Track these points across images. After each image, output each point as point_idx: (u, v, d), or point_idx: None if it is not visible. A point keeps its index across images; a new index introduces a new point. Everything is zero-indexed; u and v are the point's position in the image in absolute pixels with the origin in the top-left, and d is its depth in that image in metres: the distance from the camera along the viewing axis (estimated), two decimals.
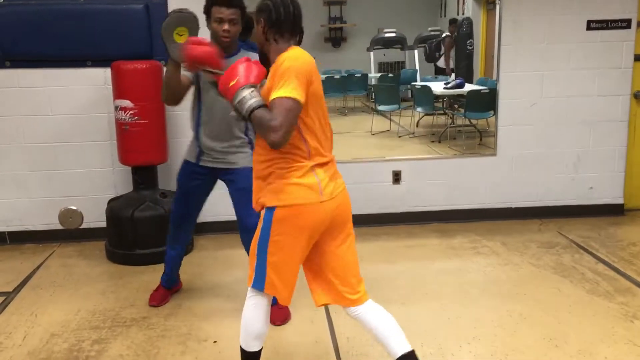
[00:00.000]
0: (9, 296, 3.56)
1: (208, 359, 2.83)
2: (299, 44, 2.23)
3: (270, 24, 2.16)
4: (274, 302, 3.12)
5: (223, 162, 3.09)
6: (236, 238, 4.28)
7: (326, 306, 3.33)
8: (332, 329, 3.08)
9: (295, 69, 2.04)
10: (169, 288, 3.50)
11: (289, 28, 2.17)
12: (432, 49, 7.49)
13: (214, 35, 2.93)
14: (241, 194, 3.05)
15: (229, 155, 3.08)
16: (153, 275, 3.81)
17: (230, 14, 2.88)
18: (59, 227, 4.45)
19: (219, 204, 4.53)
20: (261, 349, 2.38)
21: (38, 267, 4.01)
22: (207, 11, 2.91)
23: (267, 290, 2.25)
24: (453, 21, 7.34)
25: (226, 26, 2.88)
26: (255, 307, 2.31)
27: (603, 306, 3.28)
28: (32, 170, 4.37)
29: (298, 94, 2.02)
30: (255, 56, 2.49)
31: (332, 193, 2.20)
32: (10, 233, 4.44)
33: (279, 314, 3.16)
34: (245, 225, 3.12)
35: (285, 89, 2.00)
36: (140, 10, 4.18)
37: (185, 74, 2.90)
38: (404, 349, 2.25)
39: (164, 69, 3.01)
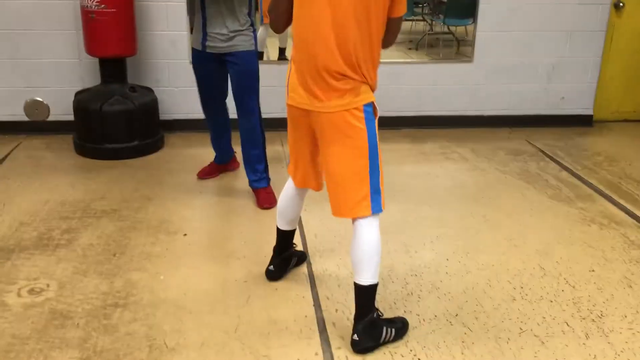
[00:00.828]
0: None
1: (178, 250, 2.88)
2: None
3: None
4: (265, 186, 3.40)
5: (226, 47, 3.13)
6: (205, 136, 4.26)
7: None
8: (301, 225, 3.15)
9: None
10: (219, 163, 3.72)
11: None
12: None
13: None
14: (241, 77, 3.19)
15: (232, 39, 3.13)
16: (123, 169, 3.80)
17: None
18: (25, 118, 4.34)
19: (189, 102, 4.49)
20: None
21: (4, 158, 3.95)
22: None
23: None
24: None
25: None
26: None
27: (563, 211, 3.40)
28: None
29: None
30: None
31: (296, 100, 2.15)
32: None
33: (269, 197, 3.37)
34: (245, 109, 3.25)
35: None
36: None
37: None
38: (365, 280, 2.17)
39: None
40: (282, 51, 4.85)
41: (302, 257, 2.77)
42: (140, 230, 3.06)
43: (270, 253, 2.65)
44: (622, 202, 3.53)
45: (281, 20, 2.16)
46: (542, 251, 2.94)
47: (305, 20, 2.04)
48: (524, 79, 4.78)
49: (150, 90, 4.24)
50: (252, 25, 3.17)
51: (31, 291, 2.50)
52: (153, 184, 3.63)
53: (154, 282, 2.59)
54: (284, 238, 2.59)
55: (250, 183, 3.42)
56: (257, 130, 3.31)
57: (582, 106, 4.91)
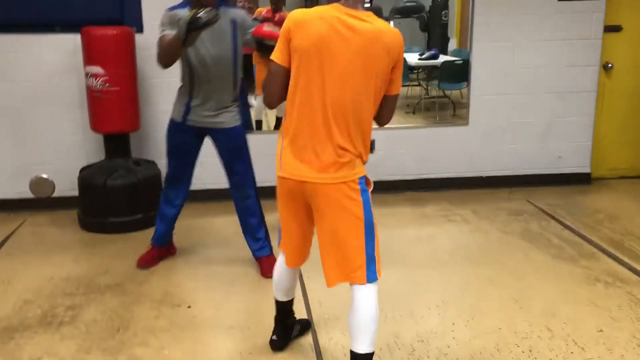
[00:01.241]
0: None
1: (182, 323, 2.86)
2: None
3: None
4: (269, 254, 3.37)
5: (210, 122, 3.17)
6: (209, 207, 4.31)
7: (300, 272, 3.39)
8: (305, 293, 3.14)
9: (282, 29, 2.11)
10: (160, 246, 3.55)
11: None
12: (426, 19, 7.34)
13: None
14: (231, 153, 3.23)
15: (218, 117, 3.17)
16: (126, 243, 3.82)
17: None
18: (30, 195, 4.41)
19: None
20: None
21: (9, 236, 3.98)
22: None
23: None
24: None
25: None
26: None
27: (567, 270, 3.39)
28: (1, 137, 4.30)
29: (275, 55, 2.12)
30: (235, 12, 2.94)
31: (291, 172, 2.16)
32: None
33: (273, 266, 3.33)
34: (239, 181, 3.29)
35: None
36: None
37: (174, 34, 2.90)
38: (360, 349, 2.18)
39: (166, 21, 3.03)
40: (279, 120, 4.97)
41: (305, 325, 2.76)
42: (143, 303, 3.05)
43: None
44: (625, 259, 3.53)
45: (275, 96, 2.19)
46: (549, 312, 2.91)
47: (303, 95, 2.09)
48: (520, 139, 4.87)
49: (153, 163, 4.31)
50: (237, 100, 3.23)
51: None
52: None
53: (158, 357, 2.57)
54: (284, 308, 2.59)
55: (253, 252, 3.43)
56: (253, 199, 3.33)
57: (579, 164, 4.98)
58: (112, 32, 3.88)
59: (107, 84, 3.86)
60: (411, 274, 3.36)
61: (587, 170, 5.00)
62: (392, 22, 9.63)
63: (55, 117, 4.31)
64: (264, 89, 2.20)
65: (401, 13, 10.17)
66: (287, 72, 2.12)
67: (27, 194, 4.40)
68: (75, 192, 4.18)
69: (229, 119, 3.18)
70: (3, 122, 4.28)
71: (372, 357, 2.18)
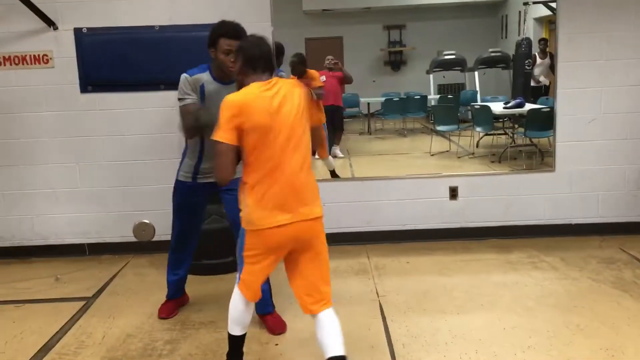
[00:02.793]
0: (89, 301, 3.86)
1: (269, 359, 2.99)
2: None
3: (245, 61, 2.56)
4: (271, 311, 3.40)
5: None
6: None
7: (382, 313, 3.46)
8: (389, 335, 3.19)
9: (223, 108, 2.43)
10: (178, 298, 3.66)
11: (260, 64, 2.55)
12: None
13: (219, 64, 3.10)
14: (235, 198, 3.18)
15: None
16: (219, 283, 4.04)
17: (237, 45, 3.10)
18: (133, 239, 4.77)
19: None
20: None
21: (114, 276, 4.31)
22: (214, 42, 3.08)
23: None
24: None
25: (233, 57, 3.05)
26: None
27: None
28: (110, 186, 4.71)
29: (220, 136, 2.43)
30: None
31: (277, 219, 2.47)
32: (90, 245, 4.78)
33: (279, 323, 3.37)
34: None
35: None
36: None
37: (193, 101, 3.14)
38: (336, 352, 2.46)
39: (186, 90, 3.20)
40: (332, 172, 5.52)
41: None
42: None
43: None
44: None
45: (230, 172, 2.48)
46: None
47: (266, 152, 2.43)
48: (610, 185, 4.74)
49: None
50: None
51: None
52: None
53: None
54: (241, 341, 2.79)
55: (256, 310, 3.29)
56: None
57: None
58: None
59: None
60: (496, 320, 3.33)
61: None
62: (476, 73, 9.76)
63: (157, 166, 4.66)
64: (217, 172, 2.54)
65: (486, 63, 10.24)
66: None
67: (131, 237, 4.77)
68: None
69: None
70: (112, 172, 4.69)
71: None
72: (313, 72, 5.66)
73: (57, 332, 3.40)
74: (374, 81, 12.98)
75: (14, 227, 4.78)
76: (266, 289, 3.34)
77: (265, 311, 3.36)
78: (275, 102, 2.45)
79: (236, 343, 2.76)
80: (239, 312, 2.67)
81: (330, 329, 2.50)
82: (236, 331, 2.72)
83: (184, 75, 3.19)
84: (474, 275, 4.05)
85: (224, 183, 2.52)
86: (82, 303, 3.82)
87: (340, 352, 2.45)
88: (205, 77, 3.16)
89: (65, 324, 3.51)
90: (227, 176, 2.48)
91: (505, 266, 4.20)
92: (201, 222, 3.55)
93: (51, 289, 4.13)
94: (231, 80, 3.15)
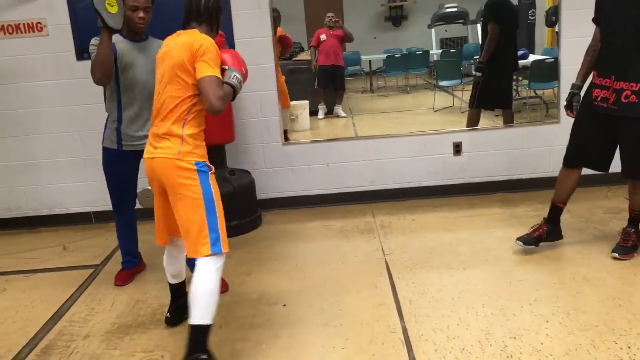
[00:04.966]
0: (97, 268, 3.90)
1: (278, 320, 3.02)
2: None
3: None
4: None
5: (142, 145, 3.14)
6: (299, 212, 4.49)
7: (389, 271, 3.47)
8: (395, 293, 3.21)
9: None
10: (133, 267, 3.73)
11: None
12: (549, 13, 7.20)
13: (127, 22, 3.11)
14: None
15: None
16: None
17: (145, 1, 3.11)
18: (138, 206, 4.76)
19: (283, 181, 4.76)
20: None
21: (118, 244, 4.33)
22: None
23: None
24: None
25: (141, 14, 3.10)
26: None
27: None
28: None
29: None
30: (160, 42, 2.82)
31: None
32: (95, 213, 4.80)
33: None
34: None
35: None
36: None
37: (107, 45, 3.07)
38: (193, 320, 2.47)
39: (95, 42, 3.12)
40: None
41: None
42: (242, 303, 3.24)
43: (370, 322, 2.78)
44: None
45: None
46: None
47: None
48: None
49: (247, 172, 4.55)
50: None
51: None
52: (252, 259, 3.84)
53: (257, 351, 2.73)
54: (175, 292, 3.00)
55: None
56: None
57: None
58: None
59: None
60: (502, 273, 3.34)
61: None
62: (479, 25, 9.52)
63: None
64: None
65: (442, 20, 10.00)
66: None
67: (136, 204, 4.76)
68: None
69: None
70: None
71: (206, 329, 2.46)
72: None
73: (67, 299, 3.44)
74: (374, 38, 12.79)
75: (20, 198, 4.79)
76: None
77: None
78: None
79: (171, 292, 3.00)
80: (164, 259, 2.91)
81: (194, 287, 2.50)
82: (169, 279, 2.97)
83: (93, 38, 3.16)
84: (479, 230, 4.04)
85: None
86: (90, 271, 3.86)
87: (190, 319, 2.48)
88: (116, 37, 3.14)
89: (75, 291, 3.55)
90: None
91: (510, 220, 4.19)
92: (135, 189, 3.63)
93: (59, 257, 4.16)
94: (141, 38, 3.23)
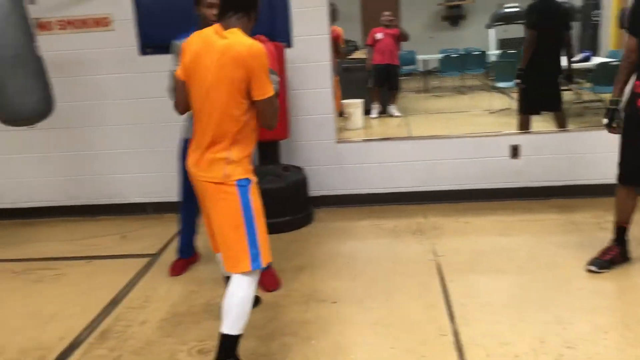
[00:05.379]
0: (154, 257, 4.01)
1: (327, 317, 3.03)
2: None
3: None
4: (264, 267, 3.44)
5: None
6: (350, 211, 4.48)
7: (440, 273, 3.44)
8: (447, 295, 3.17)
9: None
10: (189, 257, 3.80)
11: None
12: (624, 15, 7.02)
13: (203, 19, 3.16)
14: None
15: None
16: (277, 243, 4.05)
17: None
18: None
19: (335, 179, 4.78)
20: None
21: (177, 234, 4.44)
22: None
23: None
24: None
25: (215, 10, 3.02)
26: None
27: None
28: (170, 147, 4.80)
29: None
30: None
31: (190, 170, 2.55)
32: (152, 203, 4.93)
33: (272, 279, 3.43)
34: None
35: None
36: None
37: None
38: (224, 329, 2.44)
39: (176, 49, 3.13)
40: None
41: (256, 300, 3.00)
42: (293, 298, 3.27)
43: (420, 323, 2.72)
44: None
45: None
46: None
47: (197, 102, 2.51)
48: None
49: (300, 169, 4.59)
50: None
51: (200, 351, 2.78)
52: (304, 255, 3.87)
53: (305, 347, 2.76)
54: None
55: None
56: None
57: None
58: (269, 48, 4.20)
59: None
60: (558, 280, 3.26)
61: None
62: (490, 31, 9.23)
63: None
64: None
65: (501, 20, 9.69)
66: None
67: None
68: None
69: None
70: (172, 133, 4.78)
71: (235, 340, 2.44)
72: None
73: (124, 286, 3.56)
74: (431, 37, 12.70)
75: (81, 187, 4.97)
76: None
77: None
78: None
79: (226, 284, 2.92)
80: (218, 255, 2.77)
81: (230, 298, 2.45)
82: (223, 272, 2.89)
83: (177, 42, 3.19)
84: (534, 236, 3.95)
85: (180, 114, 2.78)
86: (147, 259, 3.97)
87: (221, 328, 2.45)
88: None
89: (132, 279, 3.67)
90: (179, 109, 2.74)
91: (568, 226, 4.08)
92: None
93: (118, 245, 4.31)
94: None
